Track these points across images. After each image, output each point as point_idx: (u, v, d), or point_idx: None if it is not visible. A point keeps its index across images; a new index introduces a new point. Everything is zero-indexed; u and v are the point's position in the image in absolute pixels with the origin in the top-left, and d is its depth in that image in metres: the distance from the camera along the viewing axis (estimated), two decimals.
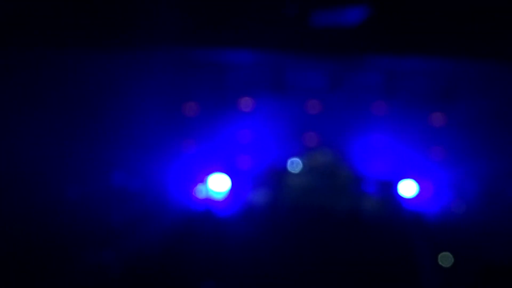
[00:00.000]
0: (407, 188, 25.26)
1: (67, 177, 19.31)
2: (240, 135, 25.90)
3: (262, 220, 16.71)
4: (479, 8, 13.23)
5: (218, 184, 24.97)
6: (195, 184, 24.46)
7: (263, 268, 12.27)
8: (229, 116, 24.69)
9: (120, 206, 17.77)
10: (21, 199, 17.11)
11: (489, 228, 15.74)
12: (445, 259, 13.97)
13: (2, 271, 11.45)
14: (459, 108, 22.04)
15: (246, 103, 25.39)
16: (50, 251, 12.99)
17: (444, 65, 19.89)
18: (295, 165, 25.07)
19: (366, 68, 21.43)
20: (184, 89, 22.91)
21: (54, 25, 14.19)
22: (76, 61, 18.75)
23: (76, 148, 19.39)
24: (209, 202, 19.09)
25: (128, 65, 19.82)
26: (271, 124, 25.19)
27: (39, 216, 15.91)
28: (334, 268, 12.43)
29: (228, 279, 12.06)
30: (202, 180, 25.04)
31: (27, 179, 18.48)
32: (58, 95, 20.23)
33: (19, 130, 19.88)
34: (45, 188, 18.33)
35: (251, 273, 12.19)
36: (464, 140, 21.47)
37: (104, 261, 12.96)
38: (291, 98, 23.93)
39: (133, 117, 21.59)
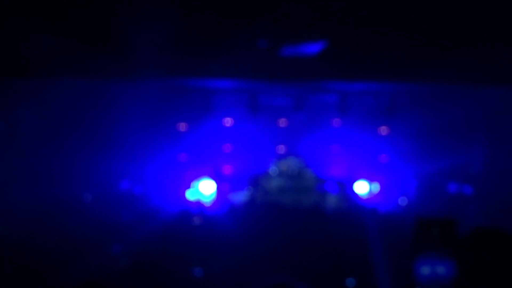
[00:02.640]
0: (361, 187, 25.36)
1: (82, 184, 19.18)
2: (223, 147, 25.89)
3: (242, 216, 16.67)
4: (414, 37, 13.35)
5: (205, 188, 24.90)
6: (186, 188, 24.39)
7: (243, 255, 12.24)
8: (214, 131, 24.68)
9: (125, 208, 17.65)
10: (44, 201, 16.96)
11: None
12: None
13: (28, 261, 11.37)
14: (401, 121, 22.19)
15: (227, 121, 25.39)
16: (68, 245, 12.93)
17: (386, 86, 20.00)
18: (268, 170, 25.07)
19: (323, 90, 21.50)
20: (175, 110, 22.87)
21: (63, 58, 14.10)
22: (86, 89, 18.66)
23: (87, 160, 19.27)
24: (198, 203, 19.00)
25: (129, 91, 19.73)
26: (249, 137, 25.22)
27: (59, 214, 15.83)
28: (302, 253, 12.45)
29: (215, 266, 11.99)
30: (192, 184, 24.97)
31: (50, 185, 18.34)
32: (73, 118, 20.09)
33: (42, 149, 19.75)
34: (64, 193, 18.19)
35: (234, 260, 12.14)
36: (406, 147, 21.59)
37: (113, 254, 12.88)
38: (264, 117, 23.98)
39: (134, 134, 21.50)
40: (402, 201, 21.68)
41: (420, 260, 1.71)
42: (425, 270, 1.67)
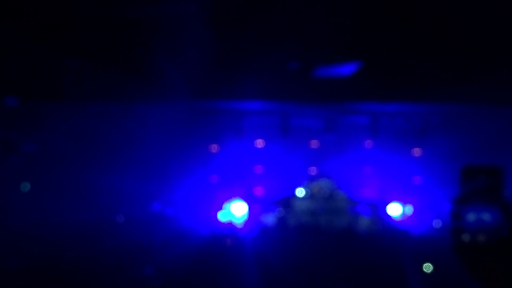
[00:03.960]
0: (393, 209, 25.21)
1: (113, 206, 19.39)
2: (254, 168, 25.98)
3: (273, 238, 16.68)
4: (446, 57, 13.37)
5: (237, 209, 24.98)
6: (218, 210, 24.49)
7: (275, 277, 12.24)
8: (245, 153, 24.80)
9: (156, 230, 17.79)
10: (75, 223, 17.17)
11: None
12: (427, 267, 13.91)
13: (60, 283, 11.53)
14: (433, 142, 22.07)
15: (259, 143, 25.51)
16: (100, 267, 13.06)
17: (418, 107, 19.96)
18: (300, 192, 25.07)
19: (355, 112, 21.52)
20: (206, 131, 23.07)
21: (93, 82, 14.32)
22: (116, 111, 18.92)
23: (118, 182, 19.48)
24: (229, 224, 19.08)
25: (160, 114, 19.97)
26: (280, 159, 25.28)
27: (91, 236, 16.04)
28: (334, 276, 12.40)
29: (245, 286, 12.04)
30: (224, 206, 25.08)
31: (81, 207, 18.58)
32: (103, 140, 20.36)
33: (73, 171, 20.02)
34: (95, 215, 18.41)
35: (266, 282, 12.15)
36: (439, 169, 21.44)
37: (145, 276, 12.97)
38: (295, 138, 24.04)
39: (165, 156, 21.72)
40: (436, 223, 21.51)
41: (466, 208, 1.77)
42: (471, 217, 1.73)
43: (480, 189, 1.84)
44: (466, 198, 1.80)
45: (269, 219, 21.59)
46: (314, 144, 26.10)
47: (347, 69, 13.39)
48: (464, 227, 1.80)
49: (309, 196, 25.25)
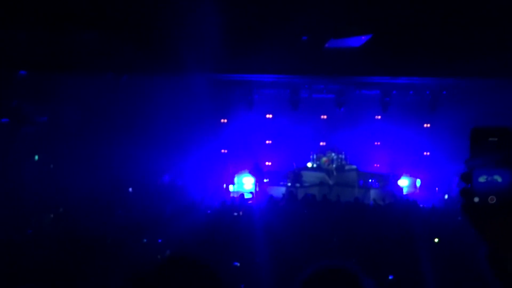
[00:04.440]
0: (403, 182, 25.38)
1: (124, 177, 19.61)
2: (264, 141, 26.15)
3: (282, 209, 16.84)
4: (456, 32, 13.38)
5: (246, 181, 25.22)
6: (228, 181, 24.73)
7: (283, 247, 12.41)
8: (256, 126, 24.95)
9: (167, 200, 17.96)
10: (87, 193, 17.36)
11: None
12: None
13: (72, 251, 11.75)
14: (443, 117, 22.11)
15: (269, 116, 25.65)
16: (111, 235, 13.25)
17: (429, 81, 19.95)
18: (309, 165, 25.24)
19: (365, 85, 21.58)
20: (218, 105, 23.19)
21: (106, 54, 14.35)
22: (128, 84, 19.06)
23: (129, 153, 19.69)
24: (239, 196, 19.27)
25: (172, 86, 20.07)
26: (289, 132, 25.41)
27: (103, 206, 16.24)
28: (342, 247, 12.54)
29: (256, 256, 12.21)
30: (234, 178, 25.31)
31: (93, 178, 18.75)
32: (115, 112, 20.51)
33: (84, 143, 20.20)
34: (107, 185, 18.59)
35: (274, 251, 12.35)
36: (449, 143, 21.50)
37: (155, 246, 13.16)
38: (306, 112, 24.13)
39: (176, 128, 21.86)
40: (444, 196, 21.63)
41: (477, 170, 1.83)
42: (482, 179, 1.80)
43: (490, 151, 1.93)
44: (477, 159, 1.89)
45: (278, 191, 21.78)
46: (324, 117, 26.22)
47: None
48: (474, 189, 1.89)
49: (318, 169, 25.44)
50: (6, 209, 15.07)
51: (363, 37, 13.71)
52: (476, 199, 1.91)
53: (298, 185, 22.78)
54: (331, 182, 23.03)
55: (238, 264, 11.27)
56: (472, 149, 1.95)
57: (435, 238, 12.38)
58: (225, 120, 25.18)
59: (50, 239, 12.86)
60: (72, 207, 15.73)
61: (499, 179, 1.89)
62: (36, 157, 20.65)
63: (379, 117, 24.42)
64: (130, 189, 19.38)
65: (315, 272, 2.31)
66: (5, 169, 18.20)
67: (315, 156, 25.23)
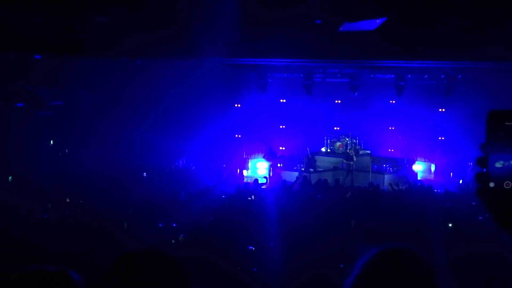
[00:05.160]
0: (417, 167, 25.31)
1: (139, 161, 19.68)
2: (278, 125, 26.16)
3: (296, 195, 16.83)
4: (472, 15, 13.23)
5: (260, 166, 25.28)
6: (242, 166, 24.78)
7: (297, 231, 12.42)
8: (269, 110, 24.93)
9: (181, 184, 18.01)
10: (102, 176, 17.45)
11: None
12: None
13: (91, 232, 11.83)
14: (459, 101, 21.97)
15: (283, 101, 25.62)
16: (125, 219, 13.32)
17: (443, 65, 19.76)
18: (323, 149, 25.22)
19: (380, 69, 21.42)
20: (231, 89, 23.20)
21: (120, 38, 14.32)
22: (143, 67, 19.06)
23: (144, 138, 19.75)
24: (253, 180, 19.27)
25: (186, 70, 20.08)
26: (303, 117, 25.38)
27: (117, 189, 16.31)
28: (356, 232, 12.52)
29: (269, 240, 12.21)
30: (247, 162, 25.36)
31: (107, 162, 18.84)
32: (129, 96, 20.56)
33: (99, 127, 20.27)
34: (121, 169, 18.66)
35: (287, 236, 12.36)
36: (463, 128, 21.39)
37: (168, 229, 13.20)
38: (319, 96, 24.08)
39: (190, 113, 21.89)
40: (459, 181, 21.52)
41: (493, 155, 1.80)
42: (498, 163, 1.77)
43: (507, 135, 1.88)
44: (493, 144, 1.84)
45: (292, 176, 21.75)
46: (338, 102, 26.15)
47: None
48: (490, 173, 1.86)
49: (332, 154, 25.40)
50: (22, 193, 15.17)
51: (377, 20, 13.59)
52: (492, 184, 1.88)
53: (311, 170, 22.78)
54: (345, 167, 22.99)
55: (253, 248, 11.29)
56: (488, 133, 1.91)
57: (449, 223, 12.33)
58: (239, 105, 25.19)
59: (65, 224, 12.92)
60: (87, 192, 15.81)
61: None
62: (52, 142, 20.77)
63: (394, 101, 24.32)
64: (145, 174, 19.45)
65: (383, 252, 2.28)
66: (20, 154, 18.32)
67: (329, 141, 25.23)
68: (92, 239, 11.04)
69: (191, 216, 13.60)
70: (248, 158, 25.49)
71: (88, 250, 10.21)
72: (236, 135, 25.06)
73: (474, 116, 19.18)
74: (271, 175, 22.91)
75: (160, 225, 13.26)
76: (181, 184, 17.89)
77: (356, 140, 24.93)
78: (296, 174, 21.96)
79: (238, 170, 24.22)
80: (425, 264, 2.26)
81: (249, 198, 16.54)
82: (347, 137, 24.91)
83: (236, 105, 24.72)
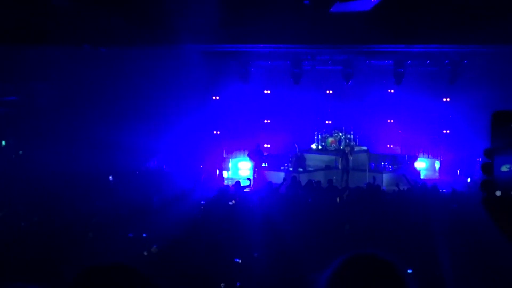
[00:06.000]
0: (419, 165, 25.34)
1: (104, 161, 19.58)
2: (262, 121, 26.11)
3: (283, 198, 16.79)
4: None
5: (242, 166, 25.22)
6: (222, 166, 24.72)
7: (286, 241, 12.33)
8: (253, 103, 24.88)
9: (156, 189, 17.94)
10: (62, 179, 17.35)
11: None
12: None
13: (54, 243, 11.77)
14: (465, 89, 22.04)
15: (267, 91, 25.58)
16: (93, 227, 13.22)
17: (447, 50, 19.85)
18: (314, 146, 25.21)
19: (376, 54, 21.46)
20: (210, 80, 23.14)
21: (85, 25, 14.21)
22: (110, 57, 18.96)
23: (111, 135, 19.64)
24: (234, 182, 19.23)
25: (160, 60, 19.99)
26: (291, 109, 25.35)
27: (79, 194, 16.24)
28: (354, 239, 12.48)
29: (253, 251, 12.16)
30: (228, 162, 25.30)
31: (69, 161, 18.74)
32: (95, 89, 20.44)
33: (60, 123, 20.14)
34: (84, 170, 18.57)
35: (275, 245, 12.28)
36: (470, 119, 21.45)
37: (141, 239, 13.13)
38: (309, 86, 24.07)
39: (164, 106, 21.81)
40: (467, 180, 21.58)
41: (498, 159, 1.82)
42: (504, 168, 1.79)
43: None
44: (498, 147, 1.84)
45: (279, 177, 21.68)
46: (330, 92, 26.14)
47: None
48: (496, 180, 1.86)
49: (324, 151, 25.34)
50: None
51: (372, 0, 13.62)
52: (498, 193, 1.88)
53: (301, 169, 22.75)
54: (338, 165, 22.99)
55: (240, 261, 11.29)
56: (492, 135, 1.91)
57: (456, 227, 12.38)
58: (217, 97, 25.08)
59: (21, 235, 12.82)
60: (45, 199, 15.69)
61: None
62: (4, 142, 20.62)
63: (392, 90, 24.36)
64: (111, 177, 19.32)
65: (347, 260, 2.32)
66: None
67: (320, 137, 25.19)
68: (52, 252, 10.97)
69: (165, 225, 13.54)
70: (229, 158, 25.42)
71: (48, 265, 10.14)
72: (215, 132, 24.98)
73: (482, 106, 19.28)
74: (255, 176, 22.87)
75: (129, 235, 13.20)
76: (153, 188, 17.82)
77: (350, 135, 24.94)
78: (283, 174, 21.92)
79: (218, 171, 24.16)
80: (392, 268, 2.29)
81: (230, 203, 16.50)
82: (341, 132, 24.92)
83: (214, 97, 24.64)
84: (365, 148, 24.70)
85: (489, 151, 1.93)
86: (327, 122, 26.15)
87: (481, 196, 1.95)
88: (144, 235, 13.05)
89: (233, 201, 16.43)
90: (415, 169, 24.05)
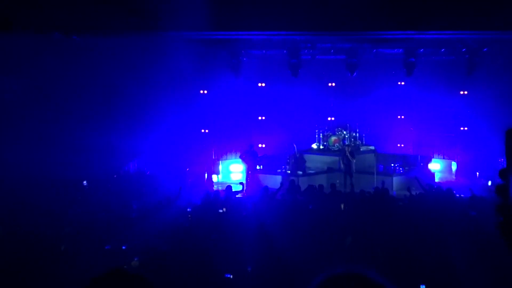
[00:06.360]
0: (434, 167, 25.29)
1: (78, 163, 19.52)
2: (256, 118, 26.08)
3: (280, 205, 16.73)
4: None
5: (234, 169, 25.22)
6: (211, 169, 24.67)
7: (283, 251, 12.26)
8: (246, 98, 24.84)
9: (136, 195, 17.92)
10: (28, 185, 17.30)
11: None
12: None
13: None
14: (483, 81, 22.01)
15: (262, 85, 25.55)
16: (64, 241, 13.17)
17: (464, 37, 19.81)
18: (315, 146, 25.19)
19: (384, 42, 21.42)
20: (200, 71, 23.09)
21: (55, 9, 14.16)
22: (85, 46, 18.92)
23: (85, 133, 19.60)
24: (225, 187, 19.19)
25: (143, 49, 19.97)
26: (287, 106, 25.33)
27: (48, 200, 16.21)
28: (360, 251, 12.40)
29: (246, 265, 12.10)
30: (218, 164, 25.27)
31: (36, 163, 18.68)
32: (66, 82, 20.38)
33: (27, 121, 20.06)
34: (54, 173, 18.52)
35: (270, 258, 12.19)
36: (491, 115, 21.43)
37: (120, 251, 13.08)
38: (308, 78, 24.04)
39: (147, 101, 21.74)
40: (487, 183, 21.55)
41: None
42: None
43: None
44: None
45: (275, 181, 21.61)
46: (333, 85, 26.11)
47: None
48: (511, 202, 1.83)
49: (326, 151, 25.27)
50: None
51: None
52: None
53: (300, 172, 22.74)
54: (342, 168, 22.97)
55: (231, 276, 11.27)
56: (508, 155, 1.87)
57: (476, 238, 12.33)
58: (205, 91, 24.99)
59: None
60: (10, 206, 15.65)
61: None
62: None
63: (403, 83, 24.36)
64: (85, 182, 19.28)
65: (327, 280, 2.30)
66: None
67: (321, 135, 25.15)
68: (19, 267, 10.92)
69: (147, 236, 13.51)
70: (219, 159, 25.39)
71: (14, 282, 10.08)
72: (203, 130, 24.94)
73: (504, 100, 19.29)
74: (248, 180, 22.83)
75: (107, 248, 13.15)
76: (133, 194, 17.80)
77: (356, 134, 24.93)
78: (280, 178, 21.89)
79: (206, 174, 24.11)
80: None
81: (220, 211, 16.48)
82: (345, 130, 24.92)
83: (201, 92, 24.59)
84: (372, 147, 24.69)
85: (504, 171, 1.89)
86: (329, 118, 26.15)
87: (497, 222, 1.93)
88: (124, 247, 13.00)
89: (224, 209, 16.39)
90: (429, 171, 24.05)
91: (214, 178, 24.58)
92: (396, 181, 22.12)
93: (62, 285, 10.40)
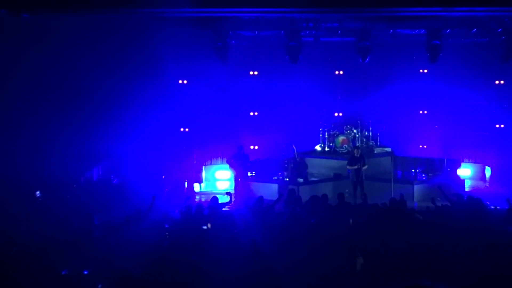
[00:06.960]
0: (463, 171, 25.31)
1: (33, 176, 19.54)
2: (248, 113, 26.10)
3: (276, 217, 16.73)
4: None
5: (220, 175, 25.27)
6: (194, 177, 24.70)
7: (280, 276, 12.24)
8: (234, 89, 24.88)
9: (100, 207, 17.95)
10: None
11: None
12: None
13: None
14: None
15: (253, 74, 25.57)
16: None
17: (498, 13, 19.81)
18: (319, 148, 25.22)
19: (402, 21, 21.37)
20: (181, 55, 23.10)
21: None
22: (53, 27, 18.98)
23: (42, 137, 19.63)
24: (210, 197, 19.21)
25: (111, 31, 20.01)
26: (285, 99, 25.34)
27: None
28: (375, 274, 12.37)
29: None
30: (203, 170, 25.30)
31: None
32: (27, 71, 20.41)
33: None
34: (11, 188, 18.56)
35: (263, 283, 12.19)
36: None
37: (81, 277, 13.07)
38: (311, 65, 24.07)
39: (119, 94, 21.77)
40: None
41: None
42: None
43: None
44: None
45: (271, 190, 21.59)
46: (340, 73, 26.12)
47: None
48: None
49: (332, 154, 25.25)
50: None
51: None
52: None
53: (301, 180, 22.75)
54: (352, 173, 22.98)
55: None
56: None
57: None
58: (185, 81, 24.97)
59: None
60: None
61: None
62: None
63: (426, 70, 24.39)
64: (38, 193, 19.27)
65: None
66: None
67: (326, 135, 25.16)
68: None
69: (113, 258, 13.52)
70: (202, 165, 25.39)
71: None
72: (182, 129, 24.94)
73: None
74: (237, 190, 22.84)
75: (63, 273, 13.16)
76: (96, 207, 17.79)
77: (368, 133, 24.93)
78: (276, 187, 21.91)
79: (187, 183, 24.11)
80: None
81: (204, 227, 16.51)
82: (355, 129, 24.91)
83: (180, 82, 24.58)
84: (389, 149, 24.72)
85: None
86: (336, 114, 26.16)
87: None
88: (85, 272, 13.00)
89: (208, 225, 16.42)
90: (457, 178, 24.06)
91: (196, 187, 24.60)
92: (417, 190, 22.13)
93: None
